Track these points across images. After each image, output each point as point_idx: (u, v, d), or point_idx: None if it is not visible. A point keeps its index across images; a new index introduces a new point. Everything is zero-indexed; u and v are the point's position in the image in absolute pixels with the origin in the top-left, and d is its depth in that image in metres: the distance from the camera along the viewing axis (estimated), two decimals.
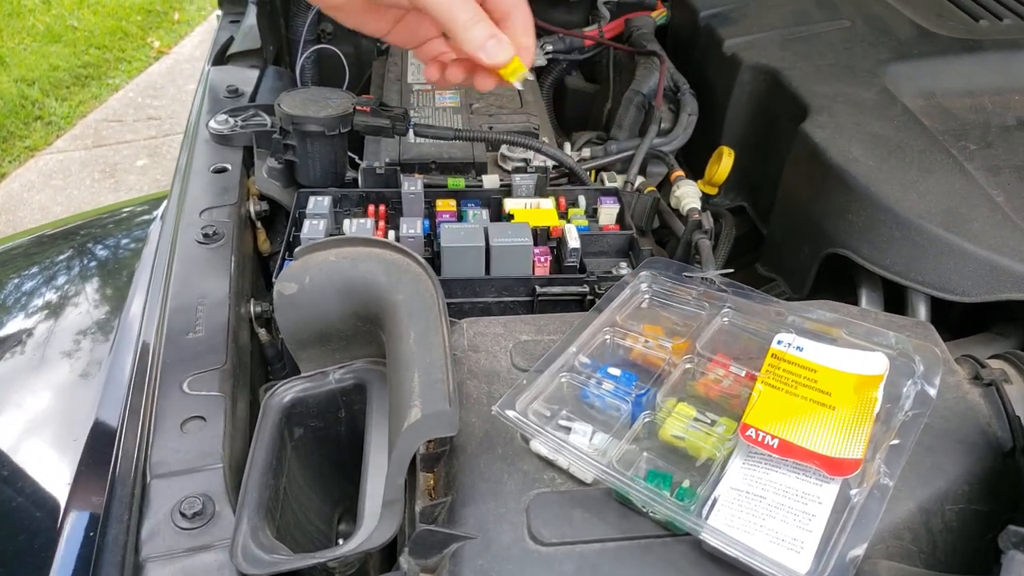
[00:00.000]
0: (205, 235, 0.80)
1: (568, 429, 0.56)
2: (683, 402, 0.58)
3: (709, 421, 0.57)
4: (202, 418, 0.64)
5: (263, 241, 0.93)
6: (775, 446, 0.53)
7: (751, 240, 0.99)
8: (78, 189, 3.15)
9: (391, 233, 0.83)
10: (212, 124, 0.95)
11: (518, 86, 0.65)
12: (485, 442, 0.58)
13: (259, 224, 0.91)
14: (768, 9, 1.09)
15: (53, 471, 0.73)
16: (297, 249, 0.64)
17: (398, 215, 0.86)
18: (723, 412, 0.58)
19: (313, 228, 0.78)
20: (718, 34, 1.04)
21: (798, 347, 0.59)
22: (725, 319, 0.62)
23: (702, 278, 0.64)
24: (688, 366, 0.59)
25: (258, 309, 0.80)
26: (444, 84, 0.72)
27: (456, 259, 0.78)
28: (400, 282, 0.61)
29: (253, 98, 1.04)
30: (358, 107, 0.88)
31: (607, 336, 0.62)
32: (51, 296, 1.41)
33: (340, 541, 0.67)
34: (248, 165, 0.93)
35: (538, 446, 0.56)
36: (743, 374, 0.60)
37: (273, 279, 0.75)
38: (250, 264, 0.86)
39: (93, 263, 1.54)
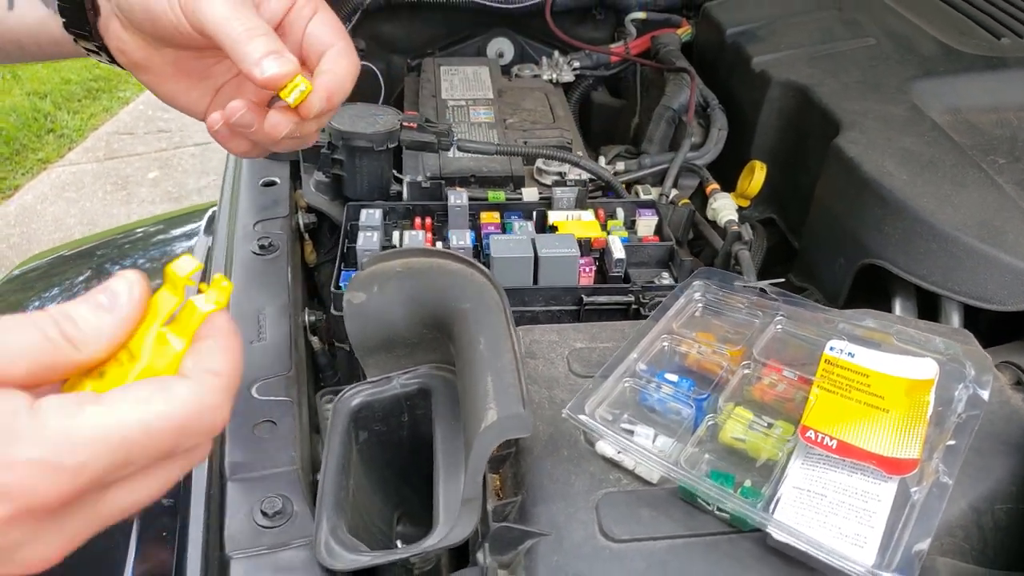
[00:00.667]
0: (261, 246, 0.83)
1: (631, 432, 0.59)
2: (740, 406, 0.61)
3: (766, 424, 0.60)
4: (272, 422, 0.67)
5: (310, 252, 0.96)
6: (834, 447, 0.55)
7: (781, 251, 1.02)
8: (91, 201, 3.18)
9: (439, 244, 0.86)
10: None
11: (290, 101, 0.54)
12: (550, 445, 0.60)
13: (307, 236, 0.94)
14: (793, 27, 1.12)
15: None
16: (364, 260, 0.67)
17: (444, 227, 0.89)
18: (779, 415, 0.60)
19: (368, 240, 0.81)
20: (746, 51, 1.08)
21: (850, 353, 0.62)
22: (778, 327, 0.65)
23: (753, 287, 0.66)
24: (746, 372, 0.62)
25: (312, 318, 0.83)
26: (228, 136, 0.59)
27: (505, 269, 0.80)
28: (466, 290, 0.64)
29: None
30: (404, 123, 0.90)
31: (664, 343, 0.65)
32: None
33: (399, 543, 0.69)
34: (295, 178, 0.96)
35: (605, 447, 0.58)
36: (795, 379, 0.62)
37: (332, 288, 0.77)
38: (301, 273, 0.89)
39: None
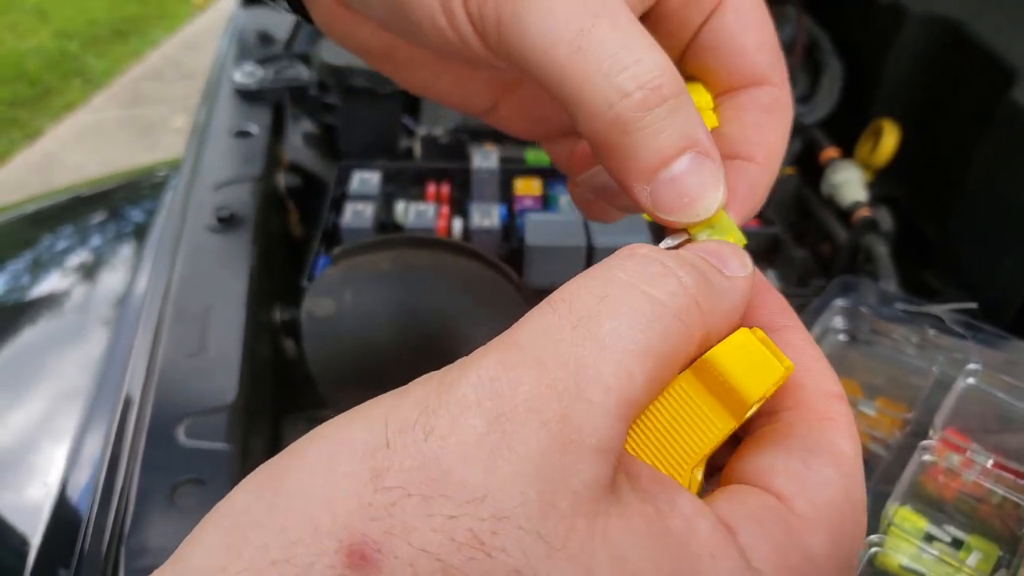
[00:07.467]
0: (220, 219, 0.62)
1: None
2: (907, 507, 0.38)
3: (950, 541, 0.37)
4: (200, 481, 0.46)
5: (295, 223, 0.75)
6: None
7: (905, 243, 0.78)
8: (113, 148, 3.02)
9: (456, 222, 0.64)
10: (237, 76, 0.76)
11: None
12: None
13: (290, 202, 0.73)
14: None
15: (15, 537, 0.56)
16: (336, 249, 0.46)
17: (465, 198, 0.67)
18: (970, 527, 0.38)
19: (357, 215, 0.59)
20: None
21: None
22: (970, 379, 0.42)
23: (923, 312, 0.43)
24: (927, 457, 0.39)
25: (287, 316, 0.62)
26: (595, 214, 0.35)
27: (545, 262, 0.58)
28: (480, 307, 0.42)
29: (289, 46, 0.85)
30: None
31: None
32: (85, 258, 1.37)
33: None
34: (278, 128, 0.74)
35: None
36: (991, 466, 0.40)
37: (304, 283, 0.56)
38: (278, 254, 0.67)
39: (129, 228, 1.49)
